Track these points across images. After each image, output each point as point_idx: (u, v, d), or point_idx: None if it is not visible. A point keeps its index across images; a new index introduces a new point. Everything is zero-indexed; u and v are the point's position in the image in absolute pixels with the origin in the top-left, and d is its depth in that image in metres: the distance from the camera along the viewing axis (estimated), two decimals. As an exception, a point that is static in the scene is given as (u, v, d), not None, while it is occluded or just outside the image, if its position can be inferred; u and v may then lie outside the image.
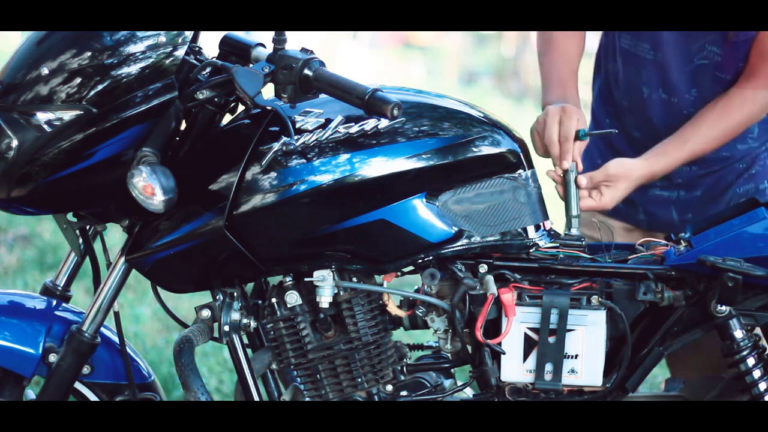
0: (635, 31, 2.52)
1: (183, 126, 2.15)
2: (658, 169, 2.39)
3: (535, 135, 2.33)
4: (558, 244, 2.22)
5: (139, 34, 2.09)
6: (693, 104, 2.50)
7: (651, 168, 2.37)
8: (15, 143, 2.05)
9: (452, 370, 2.30)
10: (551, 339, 2.15)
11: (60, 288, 2.34)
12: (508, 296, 2.13)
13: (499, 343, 2.15)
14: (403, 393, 2.23)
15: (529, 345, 2.16)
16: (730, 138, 2.45)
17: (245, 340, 2.27)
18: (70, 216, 2.25)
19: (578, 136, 2.27)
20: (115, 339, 2.30)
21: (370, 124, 2.09)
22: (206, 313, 2.19)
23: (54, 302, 2.32)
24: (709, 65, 2.47)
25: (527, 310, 2.16)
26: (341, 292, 2.17)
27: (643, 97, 2.56)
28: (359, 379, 2.19)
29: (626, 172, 2.33)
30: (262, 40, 2.20)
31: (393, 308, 2.19)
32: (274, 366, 2.25)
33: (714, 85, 2.49)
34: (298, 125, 2.11)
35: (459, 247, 2.14)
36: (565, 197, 2.28)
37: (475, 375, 2.21)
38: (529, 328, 2.16)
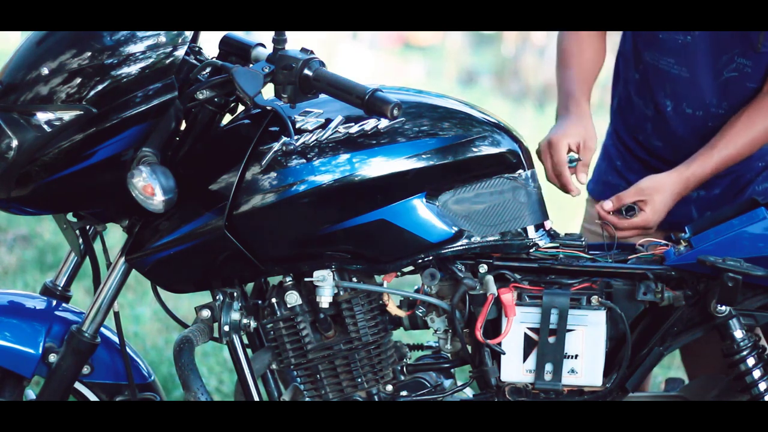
0: (660, 45, 2.51)
1: (183, 126, 2.15)
2: (689, 175, 2.38)
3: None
4: (558, 244, 2.22)
5: (139, 34, 2.09)
6: (722, 117, 2.49)
7: (681, 174, 2.37)
8: (15, 143, 2.05)
9: (452, 370, 2.30)
10: (551, 339, 2.15)
11: (60, 288, 2.34)
12: (508, 296, 2.13)
13: (499, 343, 2.15)
14: (403, 393, 2.23)
15: (529, 345, 2.16)
16: (759, 145, 2.44)
17: (245, 340, 2.27)
18: (70, 216, 2.25)
19: (570, 163, 2.36)
20: (115, 339, 2.30)
21: (370, 124, 2.09)
22: (206, 313, 2.19)
23: (54, 302, 2.32)
24: (739, 77, 2.47)
25: (527, 310, 2.16)
26: (341, 292, 2.17)
27: (667, 110, 2.54)
28: (359, 379, 2.19)
29: (658, 184, 2.34)
30: (262, 40, 2.20)
31: (393, 308, 2.19)
32: (274, 366, 2.25)
33: (745, 97, 2.48)
34: (298, 125, 2.11)
35: (459, 247, 2.14)
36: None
37: (475, 375, 2.21)
38: (529, 328, 2.16)
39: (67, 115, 2.05)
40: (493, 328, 2.17)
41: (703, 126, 2.51)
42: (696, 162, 2.40)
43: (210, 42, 2.26)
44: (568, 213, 2.45)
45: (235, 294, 2.19)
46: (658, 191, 2.34)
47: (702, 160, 2.40)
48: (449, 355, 2.25)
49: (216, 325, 2.18)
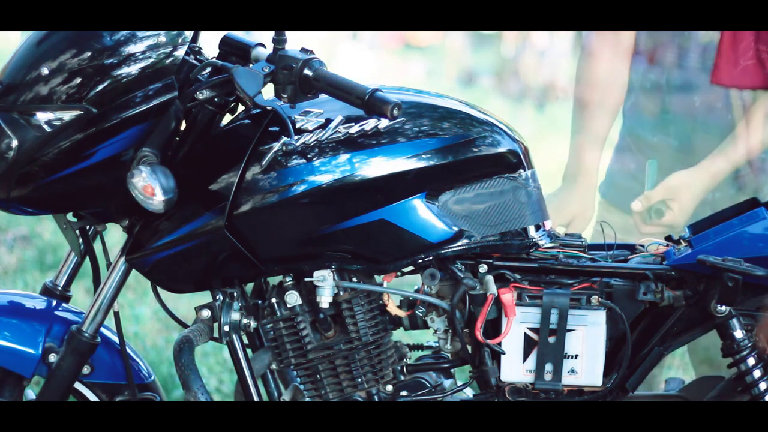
0: (683, 44, 2.53)
1: (183, 126, 2.15)
2: (716, 170, 2.38)
3: None
4: (558, 244, 2.22)
5: (139, 34, 2.09)
6: (740, 108, 2.50)
7: (708, 170, 2.38)
8: (15, 143, 2.05)
9: (452, 370, 2.30)
10: (551, 339, 2.15)
11: (60, 288, 2.34)
12: (508, 296, 2.13)
13: (499, 343, 2.15)
14: (403, 393, 2.23)
15: (529, 345, 2.16)
16: None
17: (245, 340, 2.27)
18: (70, 216, 2.25)
19: None
20: (115, 339, 2.30)
21: (370, 124, 2.09)
22: (206, 313, 2.19)
23: (54, 302, 2.32)
24: (756, 64, 2.47)
25: (527, 310, 2.15)
26: (341, 292, 2.17)
27: (695, 106, 2.55)
28: (359, 379, 2.19)
29: (687, 182, 2.35)
30: (262, 40, 2.20)
31: (393, 308, 2.19)
32: (274, 366, 2.25)
33: (761, 84, 2.48)
34: (298, 125, 2.11)
35: (459, 247, 2.14)
36: None
37: (475, 375, 2.21)
38: (529, 328, 2.16)
39: (67, 115, 2.05)
40: (493, 328, 2.17)
41: (723, 119, 2.51)
42: (721, 156, 2.40)
43: (210, 42, 2.26)
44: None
45: (235, 294, 2.19)
46: (688, 189, 2.34)
47: (727, 153, 2.40)
48: (449, 355, 2.25)
49: (216, 325, 2.18)
